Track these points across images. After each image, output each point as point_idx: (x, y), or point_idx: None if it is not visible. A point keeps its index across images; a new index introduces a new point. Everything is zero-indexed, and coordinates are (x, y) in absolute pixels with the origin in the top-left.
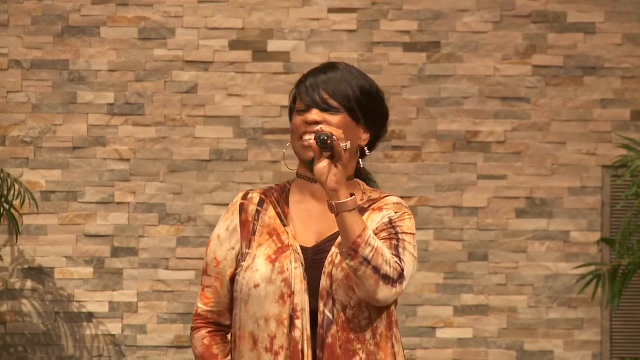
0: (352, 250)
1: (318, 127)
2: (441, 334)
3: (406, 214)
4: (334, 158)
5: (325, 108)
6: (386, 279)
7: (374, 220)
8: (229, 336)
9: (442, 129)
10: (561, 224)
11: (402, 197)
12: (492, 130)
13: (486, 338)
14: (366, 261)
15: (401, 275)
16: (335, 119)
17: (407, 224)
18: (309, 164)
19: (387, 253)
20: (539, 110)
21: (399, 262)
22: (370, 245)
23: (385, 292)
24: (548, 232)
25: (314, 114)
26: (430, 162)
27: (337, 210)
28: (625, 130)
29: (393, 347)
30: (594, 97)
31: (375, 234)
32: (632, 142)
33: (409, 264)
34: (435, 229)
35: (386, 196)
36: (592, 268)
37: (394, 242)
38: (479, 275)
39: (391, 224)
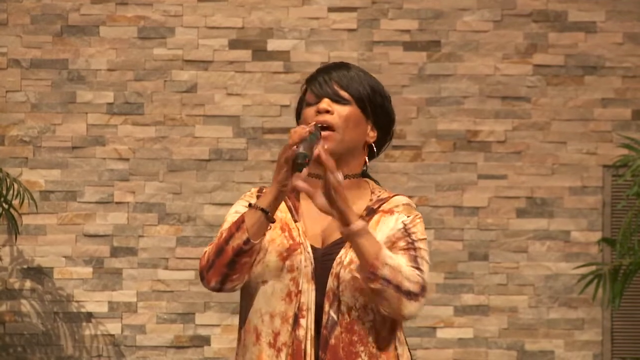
0: (371, 273)
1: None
2: (441, 334)
3: (417, 217)
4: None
5: (336, 99)
6: (409, 295)
7: (387, 224)
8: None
9: (442, 129)
10: (562, 224)
11: (404, 204)
12: (492, 130)
13: (486, 338)
14: (386, 281)
15: (423, 288)
16: (344, 109)
17: (420, 229)
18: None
19: (406, 269)
20: (539, 110)
21: (419, 274)
22: (387, 264)
23: (409, 308)
24: (548, 231)
25: (325, 103)
26: (431, 162)
27: (349, 238)
28: (626, 130)
29: (396, 349)
30: (595, 97)
31: (392, 242)
32: (633, 141)
33: (427, 272)
34: (435, 229)
35: (394, 195)
36: (593, 268)
37: (412, 252)
38: (480, 275)
39: (406, 230)
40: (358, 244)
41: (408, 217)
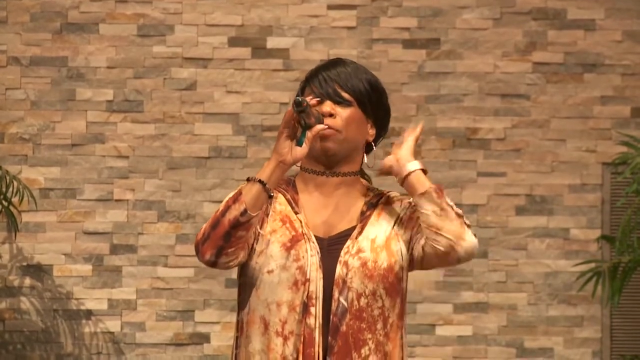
0: (438, 190)
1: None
2: (441, 331)
3: None
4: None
5: (338, 101)
6: (466, 225)
7: (391, 211)
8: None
9: (441, 126)
10: (561, 221)
11: (401, 194)
12: (491, 127)
13: (486, 335)
14: (449, 204)
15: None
16: (346, 111)
17: None
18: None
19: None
20: (538, 107)
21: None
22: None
23: (470, 238)
24: (548, 229)
25: (327, 106)
26: (430, 159)
27: (409, 176)
28: (625, 127)
29: (402, 337)
30: (594, 94)
31: (409, 217)
32: (632, 139)
33: None
34: None
35: (389, 192)
36: (592, 265)
37: None
38: (479, 272)
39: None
40: (418, 175)
41: (409, 202)
